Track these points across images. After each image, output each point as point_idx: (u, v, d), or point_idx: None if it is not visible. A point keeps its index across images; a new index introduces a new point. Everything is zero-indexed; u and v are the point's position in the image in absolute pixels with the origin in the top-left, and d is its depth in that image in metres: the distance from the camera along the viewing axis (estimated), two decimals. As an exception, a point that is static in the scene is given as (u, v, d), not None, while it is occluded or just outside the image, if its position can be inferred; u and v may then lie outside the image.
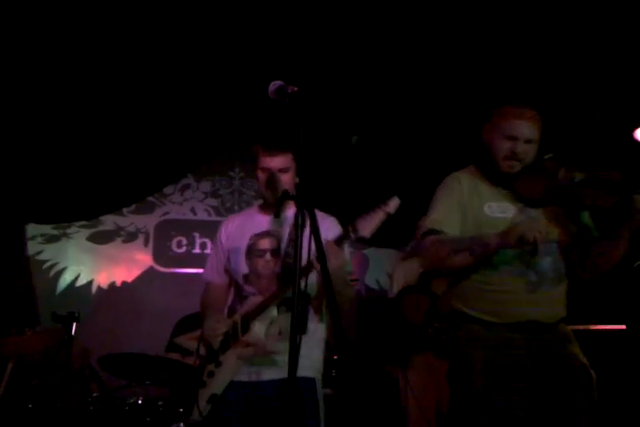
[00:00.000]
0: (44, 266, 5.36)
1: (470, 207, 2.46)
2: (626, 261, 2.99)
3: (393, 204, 2.31)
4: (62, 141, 5.02)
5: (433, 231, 2.42)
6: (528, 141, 2.42)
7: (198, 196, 5.74)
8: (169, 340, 4.03)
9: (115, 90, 4.89)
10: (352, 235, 2.35)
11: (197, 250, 5.61)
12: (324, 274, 1.92)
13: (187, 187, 5.73)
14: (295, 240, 1.90)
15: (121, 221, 5.56)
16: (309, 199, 1.96)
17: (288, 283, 2.46)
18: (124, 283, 5.44)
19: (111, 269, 5.45)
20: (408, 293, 3.87)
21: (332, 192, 4.96)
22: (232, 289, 2.79)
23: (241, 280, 2.70)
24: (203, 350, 2.67)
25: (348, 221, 2.38)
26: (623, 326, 3.85)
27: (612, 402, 3.68)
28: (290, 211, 2.62)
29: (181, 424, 3.45)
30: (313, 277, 2.38)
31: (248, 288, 2.67)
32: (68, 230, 5.47)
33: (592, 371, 2.40)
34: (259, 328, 2.51)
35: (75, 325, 3.78)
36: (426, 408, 3.54)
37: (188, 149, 5.28)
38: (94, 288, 5.39)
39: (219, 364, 2.59)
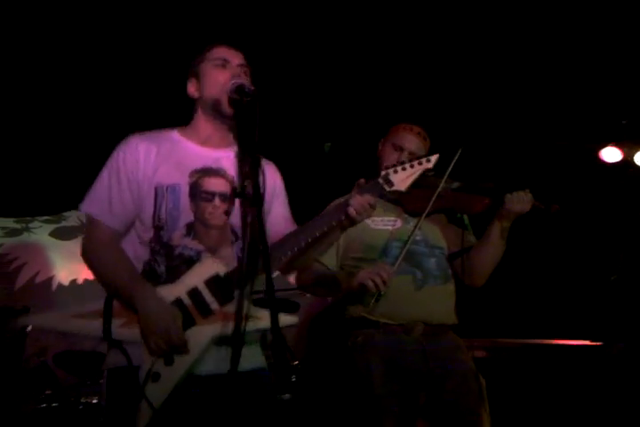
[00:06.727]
0: (4, 260, 5.19)
1: None
2: (603, 276, 3.01)
3: (434, 159, 2.07)
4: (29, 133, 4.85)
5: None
6: (412, 154, 2.60)
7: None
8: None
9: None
10: (385, 187, 2.02)
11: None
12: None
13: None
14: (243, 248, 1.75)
15: (85, 217, 5.40)
16: (260, 201, 1.79)
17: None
18: (86, 280, 5.27)
19: (73, 266, 5.26)
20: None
21: (303, 201, 4.85)
22: (135, 244, 2.03)
23: (178, 232, 1.96)
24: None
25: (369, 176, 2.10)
26: (599, 343, 3.81)
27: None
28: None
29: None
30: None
31: (190, 243, 1.96)
32: (31, 225, 5.33)
33: (482, 377, 2.54)
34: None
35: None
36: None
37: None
38: (55, 285, 5.24)
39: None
